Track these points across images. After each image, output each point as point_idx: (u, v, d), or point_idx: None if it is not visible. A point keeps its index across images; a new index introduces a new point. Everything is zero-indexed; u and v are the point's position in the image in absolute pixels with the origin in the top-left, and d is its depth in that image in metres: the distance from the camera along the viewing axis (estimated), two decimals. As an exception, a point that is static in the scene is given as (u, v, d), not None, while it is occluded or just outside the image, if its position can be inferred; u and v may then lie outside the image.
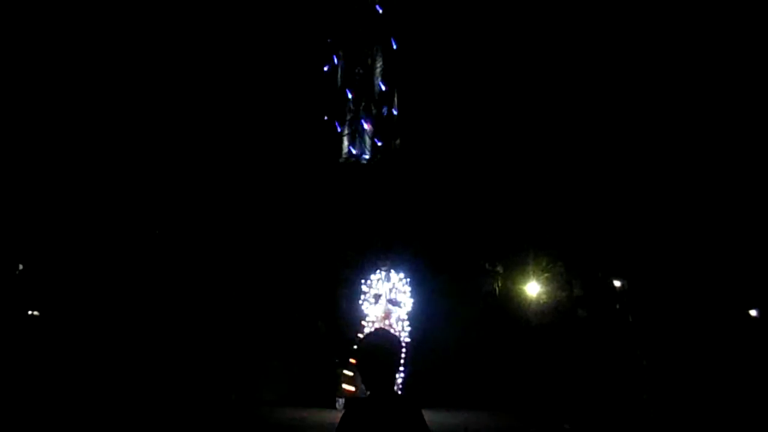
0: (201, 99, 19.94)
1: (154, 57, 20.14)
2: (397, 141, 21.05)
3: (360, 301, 14.40)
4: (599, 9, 20.57)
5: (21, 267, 18.79)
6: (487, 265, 19.72)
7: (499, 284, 19.79)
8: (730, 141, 19.21)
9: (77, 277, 18.37)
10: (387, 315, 14.14)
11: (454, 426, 12.16)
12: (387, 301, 14.12)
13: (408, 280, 14.45)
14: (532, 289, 18.63)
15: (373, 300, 14.19)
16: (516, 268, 19.41)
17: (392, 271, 14.45)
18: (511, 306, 19.08)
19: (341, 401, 14.61)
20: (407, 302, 14.32)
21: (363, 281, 14.47)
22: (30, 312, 18.45)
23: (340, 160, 20.78)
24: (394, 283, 14.34)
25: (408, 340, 14.06)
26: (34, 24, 19.61)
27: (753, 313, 18.65)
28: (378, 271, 14.47)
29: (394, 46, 21.40)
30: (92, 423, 11.57)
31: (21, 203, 18.53)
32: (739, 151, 19.09)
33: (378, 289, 14.36)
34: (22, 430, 10.88)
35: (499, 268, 19.81)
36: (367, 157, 20.71)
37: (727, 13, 19.34)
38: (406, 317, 14.25)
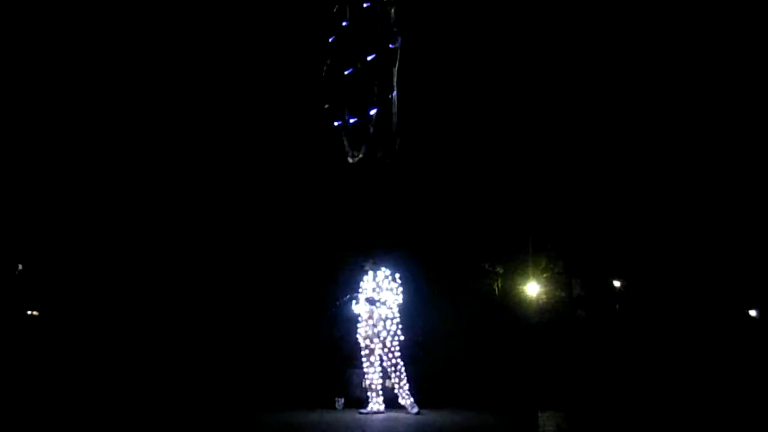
0: (199, 97, 19.95)
1: (155, 55, 20.14)
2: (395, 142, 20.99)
3: (354, 302, 14.19)
4: (598, 10, 20.60)
5: (21, 267, 18.79)
6: (486, 266, 19.71)
7: (499, 284, 19.80)
8: (730, 141, 19.23)
9: (77, 277, 18.39)
10: (369, 315, 13.88)
11: (456, 426, 12.15)
12: (366, 300, 13.83)
13: (396, 275, 13.96)
14: (532, 289, 18.65)
15: (355, 300, 13.97)
16: (516, 268, 19.41)
17: (382, 269, 14.12)
18: (510, 306, 19.09)
19: (341, 401, 14.60)
20: (391, 300, 13.91)
21: (361, 281, 14.33)
22: (29, 312, 18.45)
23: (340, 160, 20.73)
24: (378, 282, 14.04)
25: (397, 338, 13.79)
26: (33, 24, 19.61)
27: (753, 313, 18.68)
28: (366, 270, 14.23)
29: (396, 44, 21.30)
30: (92, 423, 11.56)
31: (21, 203, 18.54)
32: (739, 152, 19.11)
33: (363, 289, 14.12)
34: (22, 430, 10.87)
35: (499, 269, 19.82)
36: (362, 155, 20.64)
37: (727, 13, 19.35)
38: (392, 316, 13.88)
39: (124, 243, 18.84)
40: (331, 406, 14.41)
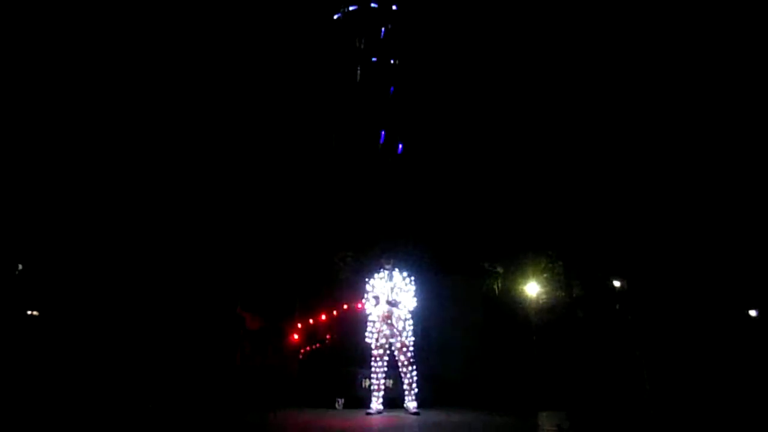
0: (198, 96, 19.96)
1: (157, 53, 20.16)
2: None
3: (364, 302, 14.19)
4: (598, 10, 20.63)
5: (21, 267, 18.79)
6: (486, 265, 19.72)
7: (499, 284, 19.81)
8: (730, 141, 19.24)
9: (77, 277, 18.38)
10: (388, 315, 13.96)
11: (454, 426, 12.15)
12: (386, 302, 13.93)
13: (412, 279, 14.19)
14: (532, 289, 18.65)
15: (373, 301, 14.00)
16: (516, 268, 19.42)
17: (396, 270, 14.21)
18: (510, 306, 19.10)
19: (341, 401, 14.58)
20: (409, 302, 14.06)
21: (366, 281, 14.28)
22: (29, 312, 18.45)
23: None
24: (396, 283, 14.12)
25: (413, 338, 13.95)
26: (34, 24, 19.61)
27: (753, 313, 18.69)
28: (381, 270, 14.25)
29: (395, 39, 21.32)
30: (92, 423, 11.55)
31: (21, 203, 18.54)
32: (739, 151, 19.13)
33: (379, 288, 14.14)
34: (22, 430, 10.87)
35: (499, 268, 19.82)
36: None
37: (727, 13, 19.36)
38: (408, 317, 14.05)
39: (124, 243, 18.83)
40: (331, 407, 14.40)
